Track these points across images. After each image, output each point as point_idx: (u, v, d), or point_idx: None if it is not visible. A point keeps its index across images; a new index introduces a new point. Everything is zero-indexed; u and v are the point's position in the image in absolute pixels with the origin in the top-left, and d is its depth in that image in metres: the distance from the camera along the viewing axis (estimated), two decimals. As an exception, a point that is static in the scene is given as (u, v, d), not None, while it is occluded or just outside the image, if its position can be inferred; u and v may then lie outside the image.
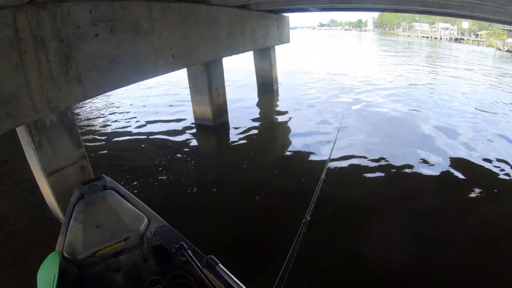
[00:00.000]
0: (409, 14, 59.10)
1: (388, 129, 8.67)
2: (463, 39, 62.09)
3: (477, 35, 62.13)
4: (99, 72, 4.65)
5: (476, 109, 10.80)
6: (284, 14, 12.35)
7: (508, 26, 32.74)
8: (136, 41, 5.30)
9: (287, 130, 8.90)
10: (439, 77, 17.76)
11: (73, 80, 4.26)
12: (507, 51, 47.84)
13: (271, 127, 9.19)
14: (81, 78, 4.37)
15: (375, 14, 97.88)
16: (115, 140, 8.33)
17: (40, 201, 4.89)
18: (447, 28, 70.20)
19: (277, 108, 10.94)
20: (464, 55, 35.39)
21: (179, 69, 6.92)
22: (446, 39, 65.50)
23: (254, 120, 9.58)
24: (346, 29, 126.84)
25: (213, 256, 2.34)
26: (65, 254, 2.71)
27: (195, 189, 5.62)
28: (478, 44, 57.54)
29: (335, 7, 10.32)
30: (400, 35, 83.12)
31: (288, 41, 13.11)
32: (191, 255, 2.44)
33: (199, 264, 2.30)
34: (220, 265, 2.27)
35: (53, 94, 3.99)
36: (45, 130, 4.18)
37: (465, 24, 62.79)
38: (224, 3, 7.49)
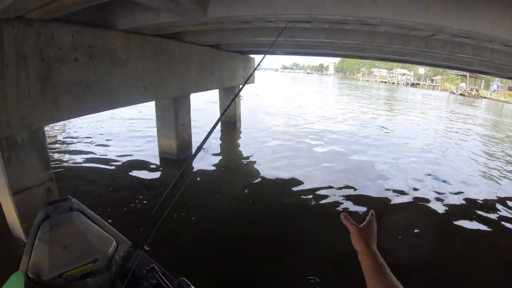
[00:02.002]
0: (369, 60, 62.18)
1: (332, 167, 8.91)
2: (419, 84, 65.73)
3: (432, 80, 66.01)
4: (75, 96, 4.59)
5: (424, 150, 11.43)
6: (251, 55, 12.72)
7: (461, 72, 35.38)
8: (112, 69, 5.29)
9: (247, 168, 8.89)
10: (393, 120, 18.81)
11: (49, 101, 4.18)
12: (460, 94, 51.13)
13: (233, 165, 9.12)
14: (57, 100, 4.30)
15: (337, 59, 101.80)
16: (77, 166, 8.10)
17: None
18: (404, 74, 74.26)
19: (239, 146, 11.06)
20: (420, 99, 37.55)
21: (150, 101, 6.93)
22: (403, 84, 69.02)
23: (217, 156, 9.55)
24: (308, 73, 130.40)
25: (184, 279, 2.31)
26: (30, 275, 2.55)
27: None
28: (433, 89, 61.04)
29: (300, 52, 10.76)
30: (359, 79, 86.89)
31: (253, 82, 13.41)
32: (163, 277, 2.38)
33: (170, 287, 2.26)
34: (192, 287, 2.24)
35: (28, 111, 3.91)
36: (15, 147, 4.04)
37: (421, 70, 66.67)
38: (196, 41, 7.62)
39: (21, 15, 3.53)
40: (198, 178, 7.63)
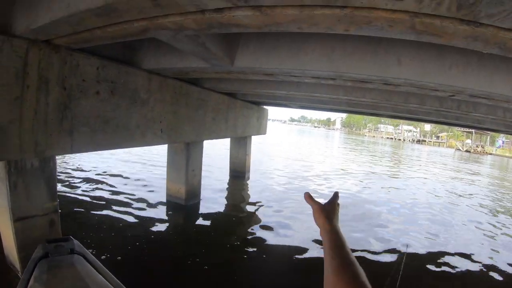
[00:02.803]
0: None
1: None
2: (425, 141, 66.11)
3: (438, 137, 66.37)
4: (91, 130, 4.51)
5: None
6: (264, 106, 12.80)
7: (467, 128, 36.13)
8: (131, 108, 5.25)
9: (254, 220, 8.60)
10: (399, 179, 18.58)
11: (65, 131, 4.09)
12: (466, 151, 51.20)
13: (240, 216, 8.82)
14: (73, 131, 4.20)
15: (344, 114, 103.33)
16: (83, 203, 7.98)
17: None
18: (410, 130, 74.89)
19: (248, 197, 10.80)
20: (425, 156, 37.46)
21: (164, 144, 6.86)
22: (409, 140, 69.39)
23: (225, 206, 9.37)
24: (315, 126, 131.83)
25: None
26: None
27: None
28: (438, 145, 61.15)
29: (313, 107, 10.78)
30: (366, 135, 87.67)
31: (265, 133, 13.48)
32: None
33: None
34: None
35: (42, 138, 3.80)
36: (24, 172, 3.92)
37: (427, 126, 67.26)
38: (215, 88, 7.65)
39: (49, 39, 3.51)
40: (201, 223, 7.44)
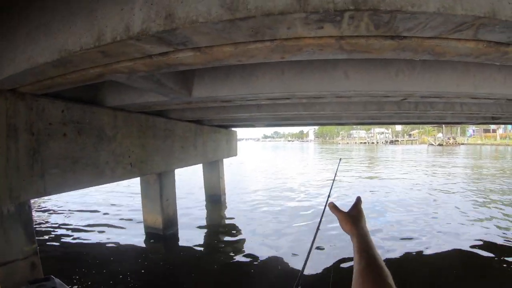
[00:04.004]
0: (347, 125, 64.28)
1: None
2: (398, 141, 66.92)
3: (410, 135, 67.33)
4: (61, 171, 4.66)
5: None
6: (233, 129, 13.19)
7: (434, 125, 37.07)
8: (99, 146, 5.41)
9: (233, 244, 8.73)
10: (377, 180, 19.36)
11: (37, 175, 4.25)
12: (439, 145, 52.04)
13: (218, 240, 9.01)
14: (44, 174, 4.36)
15: (316, 126, 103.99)
16: (60, 241, 8.10)
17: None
18: (382, 133, 75.85)
19: (224, 220, 10.99)
20: (400, 156, 38.13)
21: (135, 177, 7.00)
22: (382, 142, 70.04)
23: (203, 232, 9.57)
24: (289, 140, 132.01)
25: None
26: None
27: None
28: (411, 143, 61.99)
29: (279, 124, 11.13)
30: (339, 143, 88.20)
31: (236, 154, 13.76)
32: None
33: None
34: None
35: (16, 184, 3.96)
36: (1, 218, 4.03)
37: (398, 127, 67.92)
38: (181, 117, 7.91)
39: (14, 88, 3.71)
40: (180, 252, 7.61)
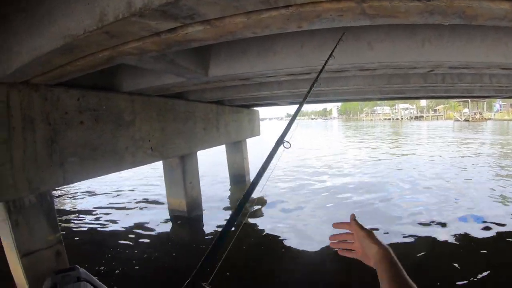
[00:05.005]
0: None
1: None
2: (423, 116, 65.23)
3: (435, 111, 65.51)
4: (81, 159, 4.66)
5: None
6: (255, 108, 12.96)
7: (461, 99, 35.84)
8: (117, 132, 5.38)
9: (259, 225, 8.54)
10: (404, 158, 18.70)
11: (56, 164, 4.26)
12: (465, 120, 50.72)
13: (244, 222, 8.86)
14: (63, 163, 4.37)
15: (339, 103, 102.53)
16: (87, 227, 8.18)
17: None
18: (406, 108, 74.04)
19: (250, 201, 10.80)
20: (425, 131, 37.14)
21: (157, 161, 6.95)
22: (407, 118, 68.52)
23: (227, 213, 9.41)
24: (312, 118, 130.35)
25: None
26: None
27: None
28: (437, 119, 60.32)
29: (299, 101, 10.82)
30: (363, 119, 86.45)
31: (259, 134, 13.57)
32: None
33: None
34: None
35: (35, 175, 3.97)
36: (23, 209, 4.06)
37: (423, 102, 65.82)
38: (200, 99, 7.80)
39: (27, 80, 3.68)
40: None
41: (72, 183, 4.86)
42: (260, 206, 9.66)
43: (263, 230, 7.79)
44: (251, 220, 8.43)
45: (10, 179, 3.71)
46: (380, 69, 4.59)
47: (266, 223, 8.36)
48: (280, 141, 1.98)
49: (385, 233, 6.97)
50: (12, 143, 3.70)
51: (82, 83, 4.61)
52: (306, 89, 5.94)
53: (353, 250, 1.20)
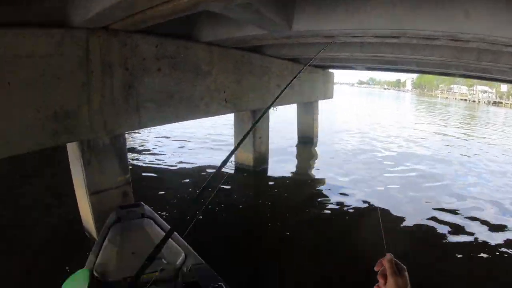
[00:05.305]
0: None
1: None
2: (501, 103, 59.56)
3: None
4: (156, 105, 4.60)
5: None
6: (330, 70, 12.29)
7: None
8: (194, 81, 5.26)
9: (321, 185, 8.35)
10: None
11: (132, 108, 4.21)
12: None
13: (307, 180, 8.63)
14: (139, 108, 4.31)
15: (415, 75, 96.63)
16: (155, 171, 8.31)
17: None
18: (485, 91, 67.95)
19: (315, 162, 10.59)
20: (502, 120, 33.07)
21: (229, 113, 6.84)
22: (484, 102, 63.16)
23: (292, 171, 9.26)
24: (384, 88, 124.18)
25: None
26: (95, 274, 2.50)
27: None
28: None
29: (380, 68, 10.00)
30: (438, 96, 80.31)
31: (332, 97, 12.94)
32: None
33: None
34: None
35: (111, 117, 3.94)
36: (96, 150, 4.10)
37: (504, 87, 59.46)
38: (277, 54, 7.42)
39: (106, 25, 3.56)
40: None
41: (147, 127, 4.81)
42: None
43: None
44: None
45: (87, 121, 3.67)
46: (473, 41, 3.95)
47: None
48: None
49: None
50: (90, 86, 3.64)
51: (160, 31, 4.43)
52: (390, 55, 5.37)
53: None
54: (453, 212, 6.54)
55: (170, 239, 2.81)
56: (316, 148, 12.09)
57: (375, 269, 0.98)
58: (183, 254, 2.81)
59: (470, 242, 5.39)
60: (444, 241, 5.45)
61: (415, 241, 5.27)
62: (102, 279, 2.48)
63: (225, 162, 1.58)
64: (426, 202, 7.07)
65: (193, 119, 5.59)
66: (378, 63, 8.26)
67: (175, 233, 2.99)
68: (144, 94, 4.35)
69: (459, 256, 4.93)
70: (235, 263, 4.08)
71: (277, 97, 1.93)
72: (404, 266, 0.96)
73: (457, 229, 5.80)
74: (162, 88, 4.65)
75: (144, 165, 8.72)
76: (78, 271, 2.48)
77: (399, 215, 6.25)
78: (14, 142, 3.08)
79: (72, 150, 4.13)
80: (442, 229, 5.80)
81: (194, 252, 2.89)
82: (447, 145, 14.47)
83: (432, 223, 5.97)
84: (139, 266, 2.43)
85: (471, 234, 5.65)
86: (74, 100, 3.51)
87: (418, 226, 5.86)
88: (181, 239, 3.00)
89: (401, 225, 5.87)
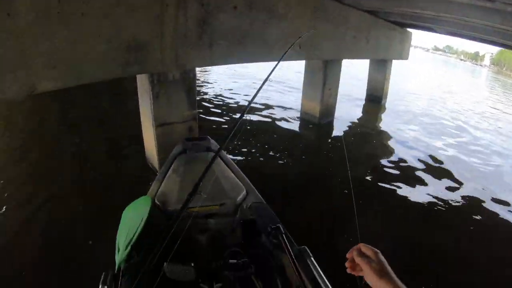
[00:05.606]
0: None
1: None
2: None
3: None
4: (229, 43, 4.47)
5: None
6: (408, 29, 11.24)
7: None
8: (269, 22, 5.04)
9: (386, 140, 8.12)
10: None
11: (205, 44, 4.10)
12: None
13: (369, 139, 8.23)
14: (212, 44, 4.20)
15: (495, 50, 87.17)
16: (219, 109, 8.37)
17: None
18: None
19: (382, 120, 10.09)
20: None
21: (302, 60, 6.63)
22: None
23: (357, 128, 8.89)
24: (461, 59, 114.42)
25: (306, 248, 2.01)
26: (156, 202, 2.49)
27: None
28: None
29: (463, 34, 8.89)
30: None
31: (407, 58, 11.89)
32: (285, 239, 2.06)
33: (291, 252, 1.94)
34: (312, 258, 1.93)
35: (182, 52, 3.86)
36: (165, 83, 4.06)
37: None
38: (356, 5, 6.89)
39: None
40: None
41: (218, 64, 4.72)
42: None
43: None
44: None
45: (158, 53, 3.62)
46: None
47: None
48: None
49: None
50: (164, 19, 3.55)
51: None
52: (478, 20, 4.74)
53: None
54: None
55: (233, 175, 2.79)
56: (384, 108, 11.41)
57: (347, 256, 0.98)
58: (244, 191, 2.73)
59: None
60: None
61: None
62: (162, 208, 2.47)
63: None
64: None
65: (264, 61, 5.39)
66: (461, 28, 7.38)
67: (238, 170, 2.96)
68: (218, 31, 4.21)
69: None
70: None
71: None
72: (378, 250, 0.96)
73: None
74: (237, 26, 4.48)
75: (212, 100, 8.81)
76: (140, 197, 2.50)
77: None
78: (86, 71, 3.08)
79: (142, 82, 4.11)
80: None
81: (256, 191, 2.81)
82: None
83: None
84: (199, 198, 2.45)
85: None
86: (147, 33, 3.44)
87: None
88: (244, 176, 2.93)
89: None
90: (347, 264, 0.98)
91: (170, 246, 2.35)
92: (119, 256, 1.93)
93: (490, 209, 5.19)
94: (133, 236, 2.00)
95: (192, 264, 1.80)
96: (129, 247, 1.94)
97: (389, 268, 0.92)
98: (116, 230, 2.21)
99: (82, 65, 3.02)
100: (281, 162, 5.80)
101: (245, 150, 5.89)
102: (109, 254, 2.13)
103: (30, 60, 2.58)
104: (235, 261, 1.97)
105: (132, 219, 2.21)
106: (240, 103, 8.90)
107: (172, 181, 2.64)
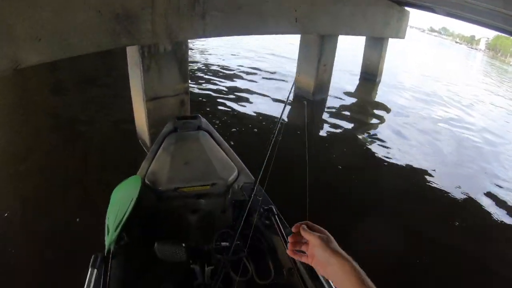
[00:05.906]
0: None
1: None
2: None
3: None
4: (224, 14, 4.31)
5: None
6: (406, 8, 10.99)
7: None
8: (266, -6, 4.85)
9: (378, 121, 8.08)
10: None
11: (198, 15, 3.94)
12: None
13: (364, 115, 8.32)
14: (205, 15, 4.03)
15: (491, 35, 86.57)
16: (211, 85, 8.26)
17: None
18: None
19: (375, 99, 10.04)
20: None
21: (297, 33, 6.48)
22: None
23: (351, 106, 8.78)
24: (456, 42, 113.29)
25: None
26: (146, 181, 2.41)
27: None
28: None
29: (462, 16, 8.64)
30: (511, 64, 70.15)
31: (404, 37, 11.45)
32: (278, 221, 2.06)
33: (284, 233, 1.97)
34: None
35: (174, 23, 3.71)
36: (156, 55, 3.90)
37: None
38: (356, -20, 6.70)
39: None
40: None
41: (211, 36, 4.57)
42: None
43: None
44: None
45: (149, 24, 3.47)
46: None
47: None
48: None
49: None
50: None
51: None
52: (479, 2, 4.60)
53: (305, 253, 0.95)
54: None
55: (224, 154, 2.70)
56: (378, 86, 11.28)
57: (292, 229, 0.97)
58: (236, 171, 2.66)
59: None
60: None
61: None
62: (153, 187, 2.41)
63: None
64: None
65: (259, 34, 5.32)
66: (461, 9, 7.18)
67: (230, 149, 2.89)
68: (212, 2, 4.05)
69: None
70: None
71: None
72: (323, 229, 0.95)
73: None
74: (232, -2, 4.29)
75: (201, 78, 8.65)
76: (130, 177, 2.43)
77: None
78: (73, 43, 2.92)
79: (132, 55, 3.94)
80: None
81: (247, 171, 2.74)
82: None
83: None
84: (190, 177, 2.37)
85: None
86: (138, 2, 3.27)
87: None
88: (236, 156, 2.86)
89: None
90: (290, 243, 0.96)
91: (161, 226, 2.28)
92: (109, 238, 1.87)
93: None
94: (123, 217, 1.93)
95: (184, 245, 1.76)
96: (119, 229, 1.87)
97: (335, 242, 0.90)
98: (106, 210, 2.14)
99: (69, 37, 2.85)
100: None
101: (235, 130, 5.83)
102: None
103: (12, 32, 2.43)
104: (227, 244, 1.93)
105: (122, 199, 2.14)
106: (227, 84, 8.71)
107: (163, 160, 2.58)
